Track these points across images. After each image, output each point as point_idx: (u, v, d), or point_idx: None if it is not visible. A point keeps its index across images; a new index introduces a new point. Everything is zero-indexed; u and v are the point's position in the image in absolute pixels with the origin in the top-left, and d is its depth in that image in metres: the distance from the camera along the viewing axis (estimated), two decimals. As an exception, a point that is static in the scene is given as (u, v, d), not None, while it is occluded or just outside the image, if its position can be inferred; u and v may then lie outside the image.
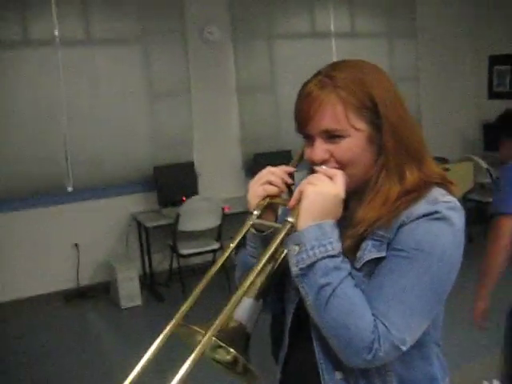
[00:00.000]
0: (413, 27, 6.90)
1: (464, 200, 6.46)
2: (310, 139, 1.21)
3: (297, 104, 1.21)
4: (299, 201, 1.15)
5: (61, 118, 5.24)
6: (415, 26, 6.90)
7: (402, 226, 1.14)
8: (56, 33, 5.18)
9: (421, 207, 1.14)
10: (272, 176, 1.23)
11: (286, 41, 6.23)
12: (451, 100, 7.16)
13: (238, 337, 1.12)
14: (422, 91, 7.01)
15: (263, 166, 1.28)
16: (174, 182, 5.47)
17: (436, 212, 1.13)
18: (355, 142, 1.16)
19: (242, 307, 1.14)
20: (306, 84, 1.21)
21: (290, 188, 1.26)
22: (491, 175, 6.09)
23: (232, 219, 4.88)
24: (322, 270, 1.11)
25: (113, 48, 5.47)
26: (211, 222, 5.11)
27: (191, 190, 5.47)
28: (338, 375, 1.22)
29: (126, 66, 5.51)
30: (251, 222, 1.23)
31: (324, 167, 1.18)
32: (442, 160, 6.16)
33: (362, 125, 1.16)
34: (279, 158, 4.95)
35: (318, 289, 1.11)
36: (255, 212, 1.22)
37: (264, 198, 1.23)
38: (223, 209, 5.09)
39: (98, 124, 5.37)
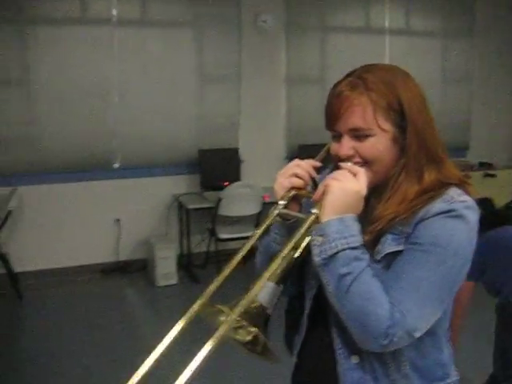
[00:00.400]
0: (469, 28, 6.77)
1: (507, 208, 6.36)
2: (337, 136, 1.27)
3: (328, 102, 1.27)
4: (324, 194, 1.21)
5: (112, 96, 5.35)
6: (472, 26, 6.78)
7: (420, 221, 1.20)
8: (114, 12, 5.29)
9: (438, 205, 1.20)
10: (298, 169, 1.29)
11: (339, 34, 6.21)
12: (503, 104, 7.03)
13: (259, 318, 1.17)
14: (474, 93, 6.90)
15: (307, 158, 1.34)
16: (217, 167, 5.55)
17: (452, 210, 1.19)
18: (380, 141, 1.23)
19: (265, 290, 1.19)
20: (337, 84, 1.27)
21: (314, 181, 1.32)
22: (538, 184, 5.99)
23: (272, 208, 4.90)
24: (343, 260, 1.17)
25: (167, 30, 5.54)
26: (251, 208, 5.16)
27: (234, 175, 5.53)
28: (354, 359, 1.27)
29: (179, 49, 5.58)
30: (277, 212, 1.29)
31: (349, 164, 1.24)
32: (487, 165, 6.08)
33: (388, 126, 1.23)
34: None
35: (338, 278, 1.16)
36: (281, 202, 1.29)
37: (289, 190, 1.29)
38: (264, 197, 5.13)
39: (147, 104, 5.46)
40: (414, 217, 1.20)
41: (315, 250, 1.19)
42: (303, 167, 1.30)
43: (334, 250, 1.17)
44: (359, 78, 1.24)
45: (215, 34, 5.70)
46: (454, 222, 1.19)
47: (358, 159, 1.24)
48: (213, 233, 5.20)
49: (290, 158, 5.89)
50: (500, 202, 5.79)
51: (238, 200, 5.01)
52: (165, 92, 5.54)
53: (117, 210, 5.46)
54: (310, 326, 1.37)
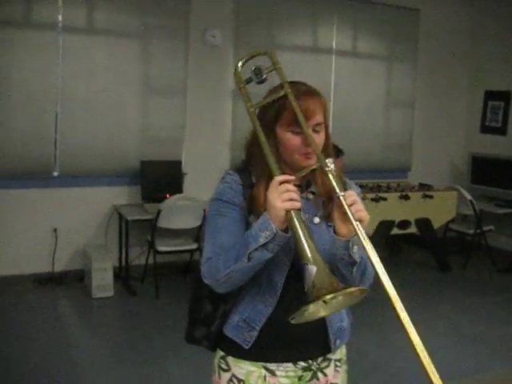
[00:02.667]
0: (413, 53, 6.98)
1: (445, 229, 6.54)
2: (297, 131, 1.56)
3: (301, 103, 1.55)
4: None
5: (54, 102, 5.26)
6: (416, 52, 6.99)
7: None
8: (60, 18, 5.21)
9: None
10: (293, 194, 1.42)
11: (287, 53, 6.27)
12: (443, 129, 7.25)
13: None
14: (416, 116, 7.09)
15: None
16: (159, 179, 5.51)
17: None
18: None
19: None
20: (306, 89, 1.63)
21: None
22: (474, 207, 6.16)
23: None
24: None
25: (113, 39, 5.48)
26: (191, 222, 5.14)
27: (176, 188, 5.50)
28: None
29: (125, 59, 5.53)
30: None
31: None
32: (426, 187, 6.23)
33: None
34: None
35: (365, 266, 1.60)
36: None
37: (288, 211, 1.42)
38: (205, 210, 5.12)
39: (91, 113, 5.39)
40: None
41: (356, 255, 1.52)
42: (294, 190, 1.43)
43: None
44: (308, 86, 1.64)
45: (162, 46, 5.69)
46: None
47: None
48: (152, 245, 5.14)
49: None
50: (437, 222, 5.95)
51: (178, 212, 4.99)
52: (109, 101, 5.48)
53: (54, 220, 5.34)
54: (282, 294, 1.62)
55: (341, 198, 1.43)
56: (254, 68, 1.62)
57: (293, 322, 1.36)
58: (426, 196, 5.94)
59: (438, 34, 7.05)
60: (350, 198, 1.43)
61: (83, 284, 5.29)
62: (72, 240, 5.40)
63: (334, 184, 1.45)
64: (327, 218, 1.63)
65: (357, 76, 6.68)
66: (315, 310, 1.37)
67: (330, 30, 6.48)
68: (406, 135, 7.08)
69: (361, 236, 1.40)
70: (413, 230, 5.89)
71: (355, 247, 1.51)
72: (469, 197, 6.15)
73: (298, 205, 1.42)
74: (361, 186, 6.41)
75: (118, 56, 5.50)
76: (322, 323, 1.66)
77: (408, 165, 7.09)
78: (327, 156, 1.51)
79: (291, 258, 1.60)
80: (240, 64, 1.67)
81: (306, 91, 1.60)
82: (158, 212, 4.95)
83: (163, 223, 5.03)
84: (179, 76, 5.75)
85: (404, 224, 5.80)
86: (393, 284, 1.35)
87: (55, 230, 5.34)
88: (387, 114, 6.97)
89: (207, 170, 5.79)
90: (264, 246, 1.44)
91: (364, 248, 1.39)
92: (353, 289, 1.35)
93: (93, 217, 5.49)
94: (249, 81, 1.64)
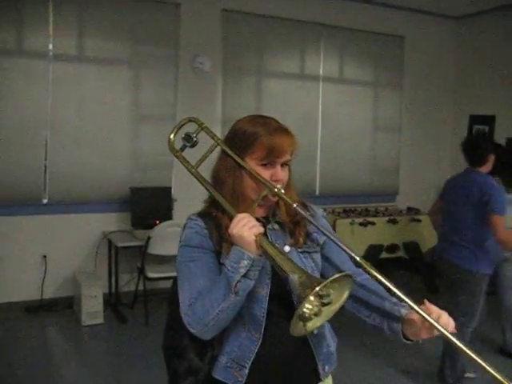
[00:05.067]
0: (399, 79, 7.11)
1: (433, 253, 6.57)
2: (269, 164, 1.65)
3: (274, 140, 1.63)
4: None
5: (44, 129, 5.30)
6: (401, 78, 7.12)
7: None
8: (50, 47, 5.27)
9: (318, 211, 1.87)
10: (254, 222, 1.51)
11: (275, 79, 6.39)
12: (430, 153, 7.35)
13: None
14: (403, 141, 7.18)
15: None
16: (149, 205, 5.53)
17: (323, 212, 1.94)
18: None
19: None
20: (277, 127, 1.67)
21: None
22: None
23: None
24: None
25: (103, 67, 5.54)
26: (181, 248, 5.13)
27: (166, 214, 5.52)
28: (315, 331, 1.67)
29: (115, 87, 5.59)
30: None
31: None
32: (414, 210, 6.29)
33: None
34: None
35: None
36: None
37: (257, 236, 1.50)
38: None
39: (80, 140, 5.43)
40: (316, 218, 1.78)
41: None
42: (253, 219, 1.52)
43: None
44: (280, 124, 1.69)
45: (152, 73, 5.76)
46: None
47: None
48: (142, 272, 5.14)
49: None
50: (424, 246, 6.00)
51: (168, 239, 4.98)
52: (99, 128, 5.52)
53: (44, 246, 5.33)
54: (266, 327, 1.63)
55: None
56: (183, 136, 1.78)
57: (294, 334, 1.40)
58: (413, 220, 6.01)
59: (422, 60, 7.19)
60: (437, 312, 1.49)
61: (73, 311, 5.27)
62: (61, 267, 5.39)
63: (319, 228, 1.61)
64: (296, 245, 1.70)
65: (344, 102, 6.77)
66: (310, 315, 1.41)
67: (317, 56, 6.59)
68: (394, 160, 7.16)
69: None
70: (401, 253, 5.94)
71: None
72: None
73: (261, 229, 1.51)
74: (349, 211, 6.44)
75: (108, 83, 5.56)
76: (309, 351, 1.69)
77: (396, 189, 7.16)
78: (292, 191, 1.72)
79: (268, 290, 1.63)
80: (172, 136, 1.83)
81: (277, 128, 1.66)
82: (148, 238, 4.96)
83: (153, 250, 5.03)
84: (169, 102, 5.81)
85: (392, 248, 5.85)
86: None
87: (45, 256, 5.33)
88: (374, 138, 7.06)
89: (197, 196, 5.75)
90: (245, 275, 1.48)
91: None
92: (336, 275, 1.38)
93: (82, 243, 5.49)
94: (183, 148, 1.80)
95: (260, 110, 6.24)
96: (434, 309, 1.48)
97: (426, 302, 1.49)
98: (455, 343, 1.38)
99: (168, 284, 5.47)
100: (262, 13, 6.15)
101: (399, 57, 7.08)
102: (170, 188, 5.74)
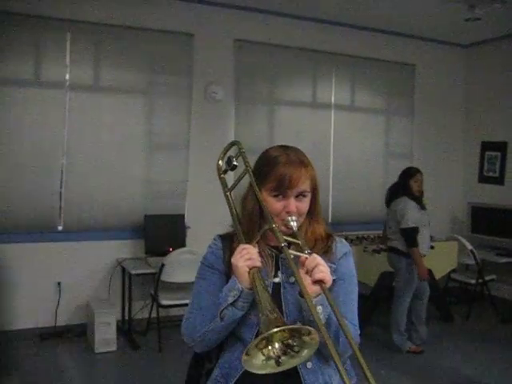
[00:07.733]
0: (410, 106, 7.17)
1: (447, 280, 6.54)
2: (281, 196, 1.64)
3: (284, 172, 1.64)
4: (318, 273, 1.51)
5: (60, 157, 5.39)
6: (412, 105, 7.17)
7: (339, 259, 1.72)
8: (67, 76, 5.38)
9: (340, 245, 1.75)
10: (253, 255, 1.55)
11: (287, 107, 6.46)
12: (442, 180, 7.35)
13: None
14: (415, 169, 7.18)
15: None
16: (162, 232, 5.57)
17: (350, 250, 1.78)
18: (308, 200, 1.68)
19: None
20: (286, 159, 1.68)
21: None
22: (475, 257, 6.18)
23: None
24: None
25: (118, 96, 5.64)
26: (194, 275, 5.13)
27: (179, 241, 5.55)
28: (309, 365, 1.63)
29: (130, 115, 5.68)
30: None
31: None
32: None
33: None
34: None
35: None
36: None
37: (251, 269, 1.53)
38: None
39: (96, 168, 5.50)
40: (331, 254, 1.69)
41: (322, 314, 1.51)
42: (255, 252, 1.55)
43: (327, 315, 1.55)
44: (298, 155, 1.69)
45: (166, 103, 5.85)
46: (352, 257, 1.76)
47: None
48: (155, 299, 5.15)
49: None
50: (438, 273, 5.97)
51: (181, 266, 5.00)
52: (114, 157, 5.60)
53: (58, 273, 5.37)
54: None
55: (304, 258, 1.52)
56: (226, 160, 1.86)
57: (244, 366, 1.33)
58: (427, 247, 5.98)
59: (433, 87, 7.25)
60: (314, 261, 1.51)
61: (86, 338, 5.27)
62: (75, 294, 5.42)
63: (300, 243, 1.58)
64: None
65: (355, 129, 6.82)
66: (265, 353, 1.35)
67: (329, 85, 6.66)
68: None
69: (326, 296, 1.48)
70: (414, 280, 5.90)
71: (319, 307, 1.50)
72: (470, 246, 6.18)
73: (258, 263, 1.54)
74: (362, 238, 6.44)
75: (123, 112, 5.65)
76: (298, 382, 1.62)
77: (408, 215, 7.12)
78: (316, 223, 1.72)
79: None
80: (220, 162, 1.93)
81: (290, 159, 1.67)
82: (162, 266, 4.98)
83: (166, 277, 5.05)
84: (182, 131, 5.88)
85: (405, 275, 5.81)
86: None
87: (59, 283, 5.36)
88: (386, 165, 7.08)
89: (210, 223, 5.81)
90: (233, 304, 1.55)
91: (332, 307, 1.45)
92: (297, 326, 1.38)
93: (96, 270, 5.53)
94: (225, 171, 1.89)
95: (272, 138, 6.30)
96: (314, 258, 1.52)
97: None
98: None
99: (181, 311, 5.50)
100: (273, 42, 6.25)
101: (410, 84, 7.14)
102: (184, 215, 5.78)
